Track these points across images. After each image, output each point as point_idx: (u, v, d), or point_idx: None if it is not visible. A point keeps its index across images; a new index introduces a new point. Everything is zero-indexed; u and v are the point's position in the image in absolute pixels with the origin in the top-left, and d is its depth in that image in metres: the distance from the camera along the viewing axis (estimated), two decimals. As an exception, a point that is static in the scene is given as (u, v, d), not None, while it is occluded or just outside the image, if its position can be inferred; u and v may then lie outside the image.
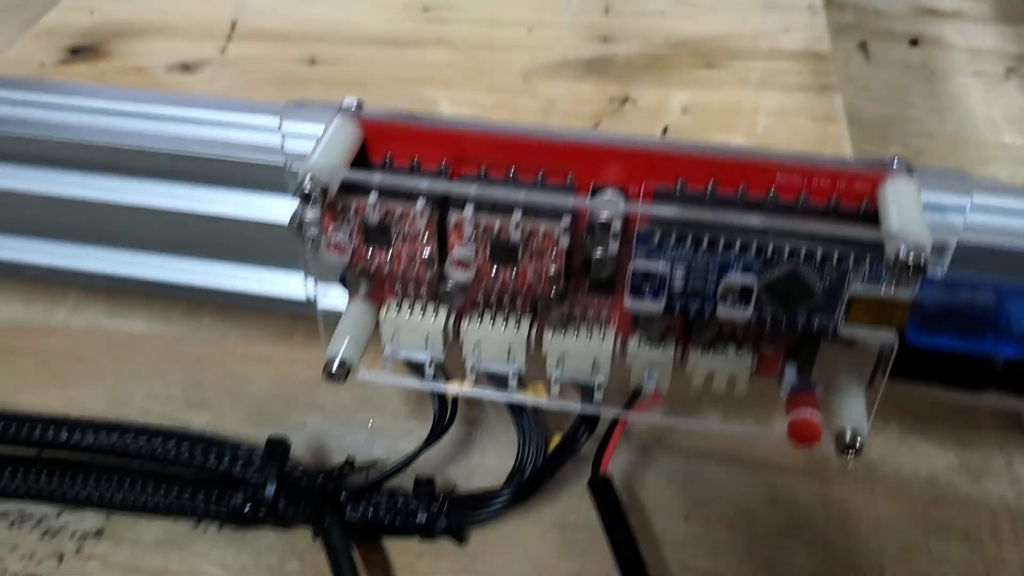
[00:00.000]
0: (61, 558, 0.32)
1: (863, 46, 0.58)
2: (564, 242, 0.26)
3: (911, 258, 0.23)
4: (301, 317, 0.39)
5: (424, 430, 0.32)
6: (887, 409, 0.36)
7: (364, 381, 0.30)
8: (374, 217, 0.26)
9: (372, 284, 0.29)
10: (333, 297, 0.30)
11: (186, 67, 0.51)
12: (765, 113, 0.48)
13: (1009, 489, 0.34)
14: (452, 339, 0.30)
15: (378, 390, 0.37)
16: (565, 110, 0.48)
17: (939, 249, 0.27)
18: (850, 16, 0.61)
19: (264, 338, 0.39)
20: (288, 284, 0.35)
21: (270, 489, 0.31)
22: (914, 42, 0.58)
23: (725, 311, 0.26)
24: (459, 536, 0.32)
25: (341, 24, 0.55)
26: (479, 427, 0.36)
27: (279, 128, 0.28)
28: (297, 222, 0.27)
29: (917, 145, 0.50)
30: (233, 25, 0.55)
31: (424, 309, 0.30)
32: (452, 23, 0.56)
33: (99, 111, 0.33)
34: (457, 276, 0.27)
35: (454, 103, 0.49)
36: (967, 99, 0.54)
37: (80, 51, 0.52)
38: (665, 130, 0.46)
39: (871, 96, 0.53)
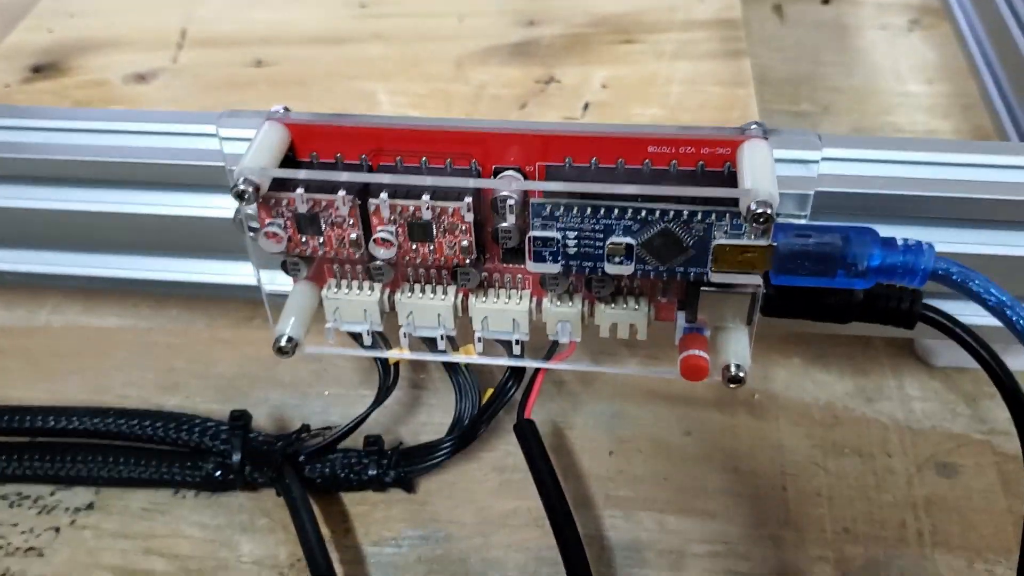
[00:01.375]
0: (58, 531, 0.36)
1: (778, 9, 0.61)
2: (469, 217, 0.30)
3: (760, 210, 0.27)
4: (259, 303, 0.43)
5: (373, 397, 0.36)
6: (790, 346, 0.40)
7: (311, 354, 0.34)
8: (303, 208, 0.30)
9: (311, 268, 0.33)
10: (281, 283, 0.34)
11: (141, 77, 0.55)
12: (678, 83, 0.52)
13: (899, 409, 0.38)
14: (388, 310, 0.34)
15: (332, 365, 0.41)
16: (494, 94, 0.52)
17: (801, 199, 0.31)
18: (766, -19, 0.64)
19: (227, 324, 0.43)
20: (244, 273, 0.39)
21: (236, 456, 0.35)
22: (826, 1, 0.62)
23: (612, 268, 0.30)
24: (408, 486, 0.36)
25: (284, 26, 0.59)
26: (424, 391, 0.40)
27: (217, 135, 0.32)
28: (238, 218, 0.31)
29: (826, 100, 0.54)
30: (183, 33, 0.58)
31: (360, 286, 0.33)
32: (388, 18, 0.59)
33: (63, 130, 0.37)
34: (382, 254, 0.31)
35: (391, 94, 0.52)
36: (874, 53, 0.57)
37: (41, 69, 0.55)
38: (586, 106, 0.50)
39: (784, 56, 0.57)
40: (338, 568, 0.33)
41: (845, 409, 0.38)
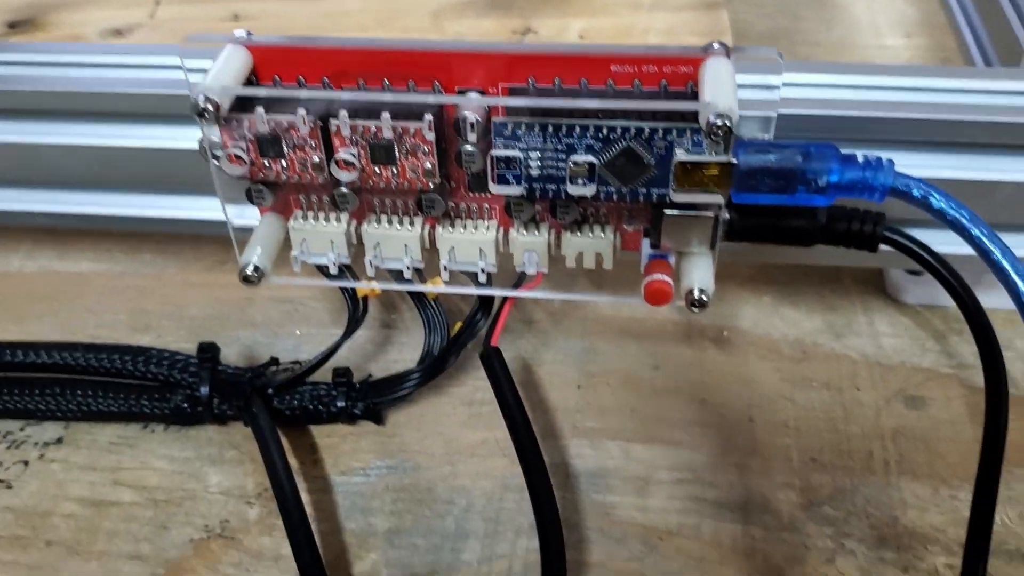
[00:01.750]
0: (27, 464, 0.36)
1: (757, -34, 0.61)
2: (431, 136, 0.30)
3: (719, 122, 0.27)
4: (231, 247, 0.43)
5: (345, 336, 0.36)
6: (760, 284, 0.40)
7: (278, 284, 0.33)
8: (264, 129, 0.30)
9: (276, 196, 0.33)
10: (250, 216, 0.34)
11: (118, 32, 0.55)
12: (655, 33, 0.52)
13: (869, 344, 0.38)
14: (355, 243, 0.34)
15: (303, 305, 0.41)
16: (471, 45, 0.52)
17: (764, 121, 0.31)
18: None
19: (199, 268, 0.43)
20: (215, 208, 0.38)
21: (204, 389, 0.35)
22: (805, -40, 0.62)
23: (575, 190, 0.30)
24: (377, 418, 0.36)
25: (262, -19, 0.59)
26: (395, 330, 0.40)
27: (181, 64, 0.32)
28: (204, 143, 0.31)
29: (805, 53, 0.54)
30: (161, -11, 0.58)
31: (327, 217, 0.33)
32: (365, -28, 0.59)
33: (32, 64, 0.37)
34: (344, 177, 0.31)
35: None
36: (853, 8, 0.57)
37: (17, 24, 0.55)
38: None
39: (763, 12, 0.57)
40: (305, 497, 0.33)
41: (814, 344, 0.38)
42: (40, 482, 0.35)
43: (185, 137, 0.36)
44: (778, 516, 0.33)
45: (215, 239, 0.43)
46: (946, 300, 0.39)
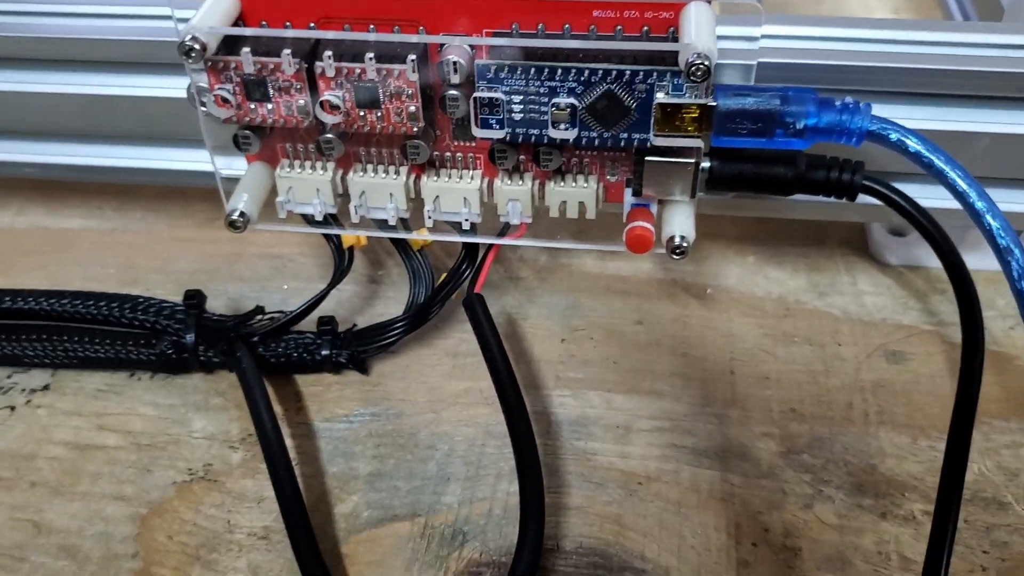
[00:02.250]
0: (13, 409, 0.36)
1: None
2: (414, 78, 0.30)
3: (698, 62, 0.27)
4: (221, 206, 0.43)
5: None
6: (745, 244, 0.41)
7: (262, 230, 0.34)
8: (250, 70, 0.30)
9: (263, 144, 0.33)
10: (238, 167, 0.34)
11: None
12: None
13: (851, 302, 0.39)
14: (341, 192, 0.34)
15: (291, 261, 0.41)
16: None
17: (745, 70, 0.31)
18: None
19: (189, 225, 0.43)
20: (202, 159, 0.39)
21: (190, 336, 0.35)
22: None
23: (557, 134, 0.30)
24: (361, 367, 0.36)
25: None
26: (381, 285, 0.40)
27: (171, 11, 0.32)
28: (192, 89, 0.32)
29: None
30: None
31: (313, 166, 0.34)
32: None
33: (20, 13, 0.37)
34: (329, 120, 0.31)
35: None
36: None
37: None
38: None
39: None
40: (289, 443, 0.34)
41: (797, 302, 0.39)
42: (25, 426, 0.35)
43: (174, 86, 0.37)
44: (756, 464, 0.33)
45: (204, 197, 0.43)
46: (928, 261, 0.40)
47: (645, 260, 0.40)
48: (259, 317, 0.36)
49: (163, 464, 0.34)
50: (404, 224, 0.35)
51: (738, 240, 0.41)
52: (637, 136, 0.30)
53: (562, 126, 0.30)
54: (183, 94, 0.36)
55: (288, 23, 0.31)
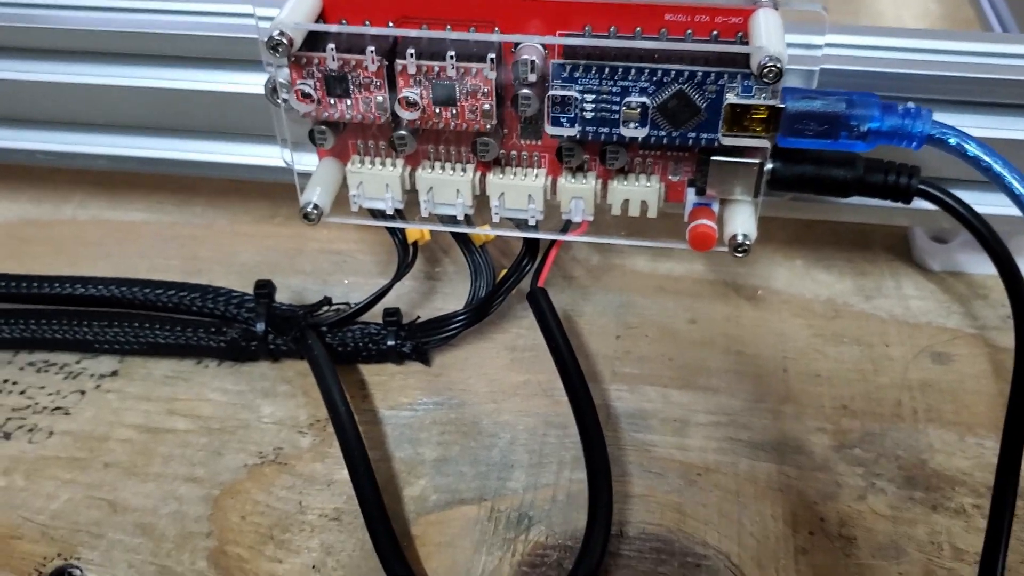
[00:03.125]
0: (83, 393, 0.37)
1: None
2: (492, 76, 0.31)
3: (770, 64, 0.29)
4: (281, 203, 0.45)
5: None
6: (793, 248, 0.42)
7: (334, 222, 0.35)
8: (333, 66, 0.32)
9: (337, 140, 0.34)
10: (305, 163, 0.36)
11: None
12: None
13: (897, 305, 0.40)
14: (409, 188, 0.36)
15: (352, 257, 0.42)
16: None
17: (807, 75, 0.32)
18: (774, -62, 0.66)
19: (249, 220, 0.44)
20: (271, 156, 0.40)
21: (260, 325, 0.37)
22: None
23: (628, 132, 0.31)
24: (424, 358, 0.37)
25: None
26: (439, 282, 0.41)
27: (252, 8, 0.33)
28: (271, 84, 0.33)
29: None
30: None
31: (383, 162, 0.35)
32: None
33: (95, 8, 0.38)
34: (407, 116, 0.32)
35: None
36: (878, 3, 0.59)
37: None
38: None
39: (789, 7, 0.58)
40: (356, 429, 0.35)
41: (845, 304, 0.40)
42: (96, 409, 0.36)
43: (245, 81, 0.38)
44: (811, 456, 0.34)
45: (263, 193, 0.45)
46: (970, 267, 0.41)
47: (696, 262, 0.41)
48: (326, 308, 0.37)
49: (234, 448, 0.35)
50: (468, 220, 0.36)
51: (786, 244, 0.42)
52: (705, 136, 0.31)
53: (632, 125, 0.31)
54: (252, 89, 0.37)
55: (367, 21, 0.33)
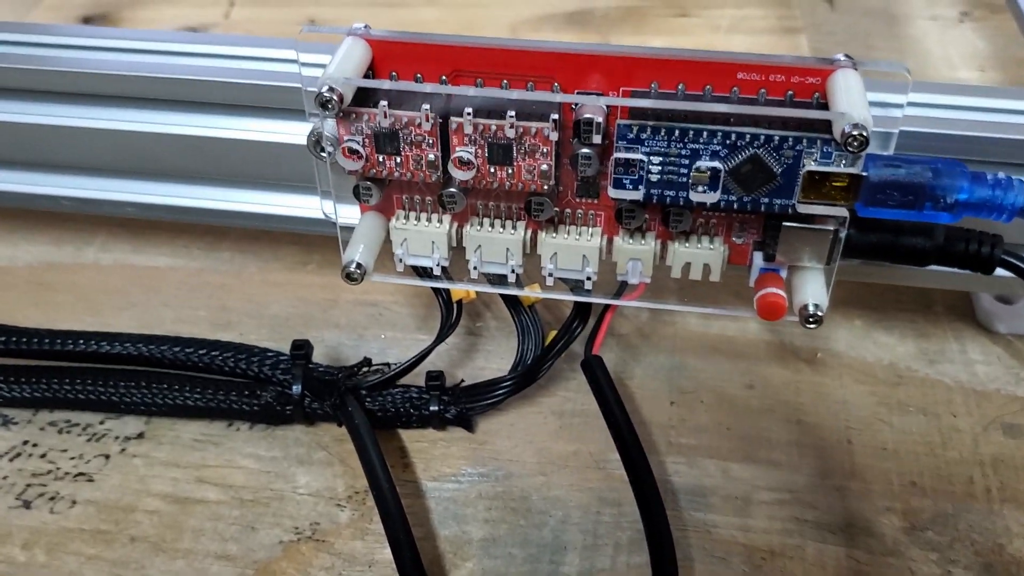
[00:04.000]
0: (108, 458, 0.35)
1: (827, -5, 0.61)
2: (553, 137, 0.29)
3: (855, 132, 0.27)
4: (313, 249, 0.43)
5: (431, 340, 0.36)
6: (852, 308, 0.40)
7: (378, 281, 0.33)
8: (384, 123, 0.30)
9: (382, 195, 0.33)
10: (344, 216, 0.34)
11: (193, 31, 0.54)
12: (735, 54, 0.52)
13: (963, 371, 0.38)
14: (455, 244, 0.34)
15: (387, 309, 0.40)
16: (549, 58, 0.52)
17: (885, 137, 0.30)
18: (814, -32, 0.64)
19: (280, 268, 0.42)
20: (306, 206, 0.38)
21: (297, 387, 0.35)
22: (875, -10, 0.62)
23: (697, 197, 0.29)
24: (468, 425, 0.35)
25: (336, -12, 0.59)
26: (480, 338, 0.39)
27: (296, 55, 0.32)
28: (314, 137, 0.31)
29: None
30: (234, -9, 0.58)
31: (429, 218, 0.33)
32: (440, -16, 0.59)
33: (127, 50, 0.37)
34: (460, 176, 0.30)
35: (445, 55, 0.52)
36: (925, 41, 0.57)
37: (92, 19, 0.55)
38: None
39: (835, 40, 0.57)
40: (397, 502, 0.33)
41: (908, 369, 0.38)
42: (122, 476, 0.34)
43: (284, 131, 0.36)
44: (881, 540, 0.32)
45: (293, 239, 0.43)
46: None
47: (751, 320, 0.39)
48: (365, 369, 0.36)
49: (268, 522, 0.33)
50: (518, 279, 0.34)
51: (844, 303, 0.40)
52: (778, 201, 0.30)
53: (701, 188, 0.29)
54: (289, 139, 0.36)
55: (419, 74, 0.31)
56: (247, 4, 0.57)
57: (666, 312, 0.40)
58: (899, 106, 0.31)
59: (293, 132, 0.36)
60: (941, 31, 0.58)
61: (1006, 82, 0.54)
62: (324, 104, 0.28)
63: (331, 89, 0.28)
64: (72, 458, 0.35)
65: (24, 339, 0.36)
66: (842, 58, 0.29)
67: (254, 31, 0.55)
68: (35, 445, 0.35)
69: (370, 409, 0.35)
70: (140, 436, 0.36)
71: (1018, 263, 0.32)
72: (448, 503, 0.33)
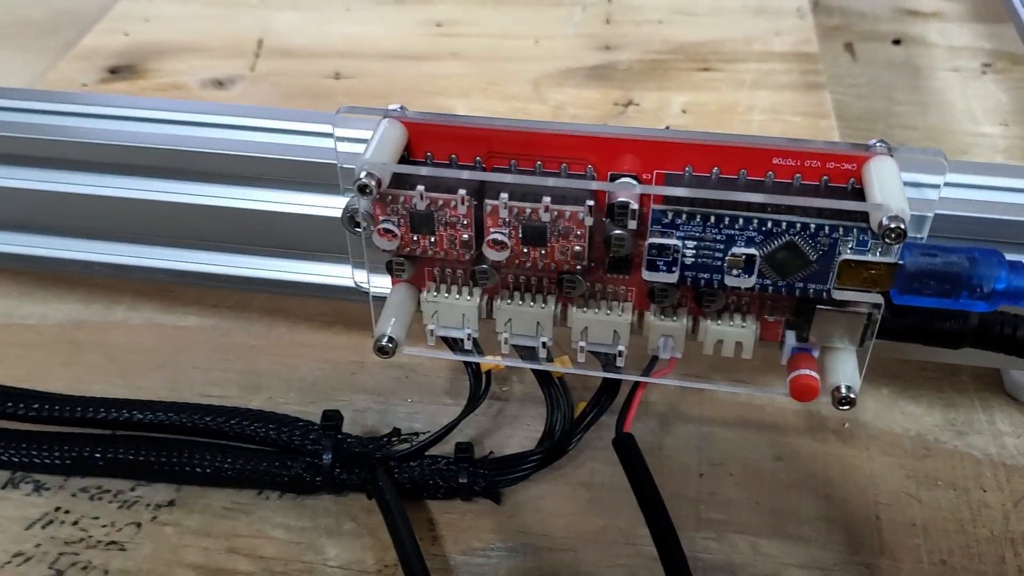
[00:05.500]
0: (139, 526, 0.35)
1: (849, 47, 0.61)
2: (588, 221, 0.29)
3: (893, 225, 0.27)
4: (340, 310, 0.43)
5: (458, 407, 0.36)
6: (879, 376, 0.40)
7: (410, 354, 0.33)
8: (420, 206, 0.30)
9: (414, 269, 0.33)
10: (375, 285, 0.34)
11: (219, 83, 0.55)
12: (759, 111, 0.52)
13: (992, 443, 0.38)
14: (486, 316, 0.34)
15: (414, 373, 0.40)
16: (573, 114, 0.52)
17: (919, 221, 0.30)
18: (837, 19, 0.64)
19: (308, 329, 0.42)
20: (334, 274, 0.38)
21: (327, 457, 0.35)
22: (897, 41, 0.62)
23: (732, 281, 0.29)
24: (495, 497, 0.35)
25: (361, 40, 0.59)
26: (508, 403, 0.39)
27: (332, 132, 0.32)
28: (349, 214, 0.31)
29: (901, 137, 0.54)
30: (260, 43, 0.58)
31: (460, 291, 0.33)
32: (464, 37, 0.59)
33: (160, 120, 0.37)
34: (494, 256, 0.30)
35: (470, 111, 0.52)
36: (947, 93, 0.57)
37: (118, 71, 0.56)
38: (667, 129, 0.50)
39: (858, 93, 0.57)
40: (427, 576, 0.33)
41: (936, 441, 0.38)
42: (154, 546, 0.34)
43: (316, 204, 0.36)
44: (913, 622, 0.32)
45: (323, 298, 0.43)
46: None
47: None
48: (394, 439, 0.36)
49: (298, 595, 0.33)
50: (548, 353, 0.34)
51: (871, 371, 0.40)
52: (814, 286, 0.30)
53: (736, 272, 0.29)
54: (321, 212, 0.36)
55: (454, 155, 0.31)
56: (272, 56, 0.58)
57: (694, 380, 0.40)
58: (935, 187, 0.31)
59: (326, 205, 0.36)
60: (963, 84, 0.58)
61: (1029, 137, 0.54)
62: (363, 189, 0.29)
63: (369, 175, 0.29)
64: (104, 526, 0.35)
65: (57, 406, 0.36)
66: (877, 144, 0.29)
67: (280, 83, 0.55)
68: (67, 512, 0.35)
69: (399, 479, 0.35)
70: (171, 504, 0.36)
71: (1052, 346, 0.32)
72: (478, 578, 0.33)
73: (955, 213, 0.32)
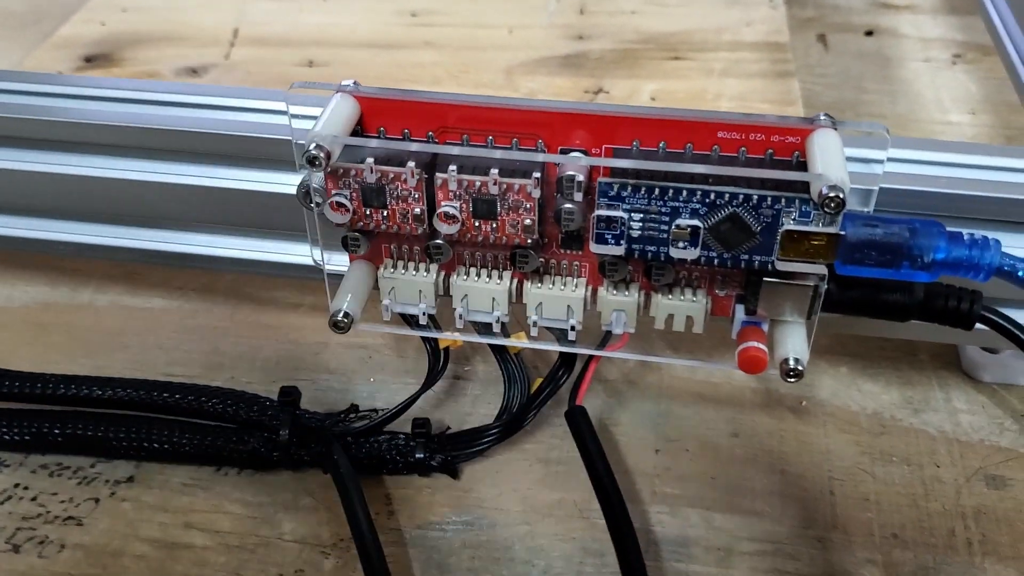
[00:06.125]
0: (97, 501, 0.35)
1: (822, 38, 0.62)
2: (536, 194, 0.30)
3: (832, 194, 0.27)
4: (304, 291, 0.43)
5: (419, 386, 0.36)
6: (838, 355, 0.40)
7: (366, 330, 0.33)
8: (371, 179, 0.30)
9: (370, 245, 0.33)
10: (335, 263, 0.34)
11: (193, 71, 0.55)
12: (727, 98, 0.52)
13: (947, 421, 0.38)
14: (442, 293, 0.34)
15: (377, 352, 0.41)
16: (544, 101, 0.52)
17: (865, 194, 0.31)
18: (811, 10, 0.65)
19: (273, 311, 0.43)
20: (299, 252, 0.39)
21: (284, 432, 0.35)
22: (869, 33, 0.62)
23: (677, 253, 0.30)
24: (452, 472, 0.36)
25: (335, 29, 0.59)
26: (468, 382, 0.40)
27: (286, 108, 0.32)
28: (303, 189, 0.31)
29: (870, 126, 0.54)
30: (235, 32, 0.59)
31: (417, 267, 0.33)
32: (438, 27, 0.60)
33: (126, 100, 0.37)
34: (445, 229, 0.31)
35: (441, 97, 0.53)
36: (917, 83, 0.58)
37: (93, 59, 0.56)
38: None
39: (828, 82, 0.57)
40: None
41: (892, 419, 0.38)
42: (111, 520, 0.35)
43: (276, 181, 0.37)
44: (862, 593, 0.32)
45: (288, 281, 0.43)
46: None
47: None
48: (352, 415, 0.36)
49: (253, 568, 0.33)
50: (504, 328, 0.34)
51: (829, 351, 0.40)
52: (758, 258, 0.30)
53: (682, 245, 0.30)
54: (280, 189, 0.36)
55: (406, 130, 0.31)
56: (247, 44, 0.58)
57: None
58: (879, 162, 0.31)
59: (286, 182, 0.36)
60: (933, 74, 0.59)
61: (997, 125, 0.55)
62: (311, 161, 0.29)
63: (318, 147, 0.29)
64: (62, 501, 0.35)
65: (16, 383, 0.36)
66: (822, 118, 0.30)
67: (253, 71, 0.55)
68: (26, 488, 0.36)
69: (356, 455, 0.35)
70: (130, 480, 0.36)
71: (997, 319, 0.32)
72: (432, 551, 0.33)
73: (900, 187, 0.32)
